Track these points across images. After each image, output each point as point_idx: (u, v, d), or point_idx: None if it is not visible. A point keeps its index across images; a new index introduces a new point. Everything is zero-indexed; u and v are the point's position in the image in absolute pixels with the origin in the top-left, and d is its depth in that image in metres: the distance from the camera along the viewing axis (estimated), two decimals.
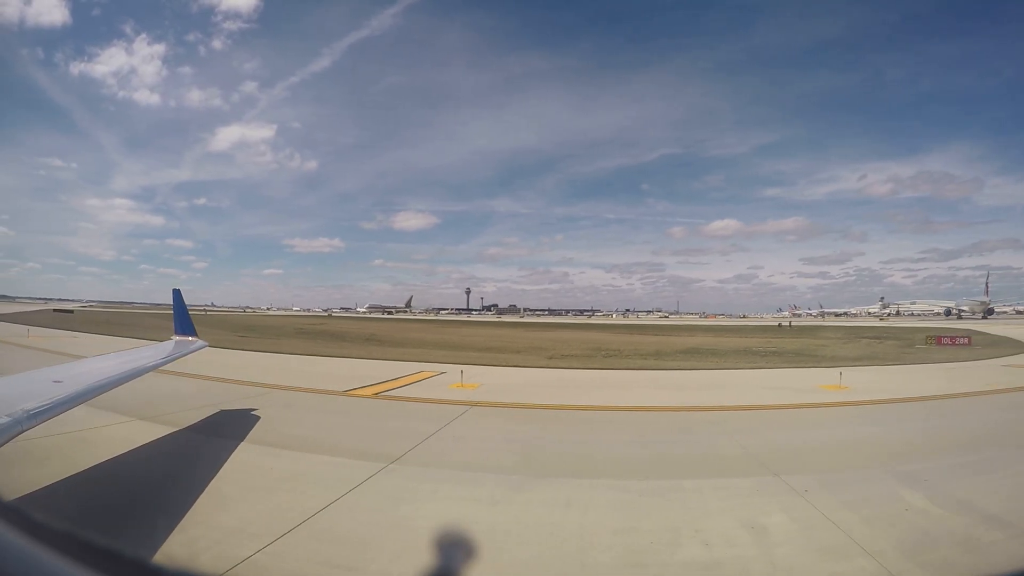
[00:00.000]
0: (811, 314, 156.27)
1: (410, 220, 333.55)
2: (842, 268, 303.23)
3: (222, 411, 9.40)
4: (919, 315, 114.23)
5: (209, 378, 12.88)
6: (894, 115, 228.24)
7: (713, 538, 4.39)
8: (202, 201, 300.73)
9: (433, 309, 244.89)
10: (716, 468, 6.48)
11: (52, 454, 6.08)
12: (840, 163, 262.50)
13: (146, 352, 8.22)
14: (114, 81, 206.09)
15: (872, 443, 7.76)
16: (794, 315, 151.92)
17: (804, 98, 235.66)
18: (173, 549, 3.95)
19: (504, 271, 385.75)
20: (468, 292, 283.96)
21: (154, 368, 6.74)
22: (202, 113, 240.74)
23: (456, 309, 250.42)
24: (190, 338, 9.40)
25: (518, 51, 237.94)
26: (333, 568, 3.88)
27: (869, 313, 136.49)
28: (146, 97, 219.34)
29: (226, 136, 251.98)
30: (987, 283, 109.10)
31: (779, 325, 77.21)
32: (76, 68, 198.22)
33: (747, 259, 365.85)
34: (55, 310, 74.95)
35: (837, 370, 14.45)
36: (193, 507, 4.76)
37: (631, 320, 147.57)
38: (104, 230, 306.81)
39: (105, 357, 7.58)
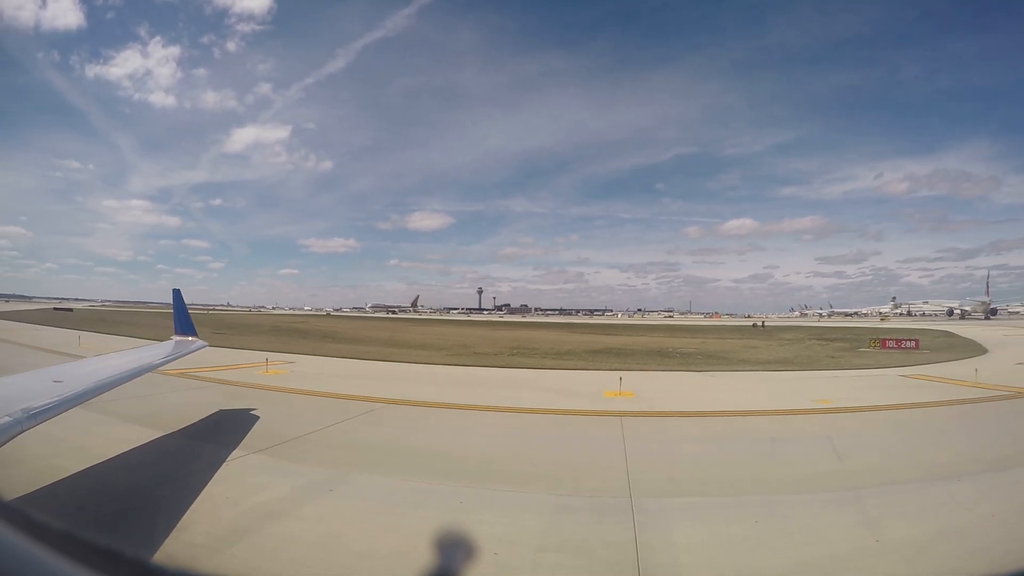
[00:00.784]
0: (821, 314, 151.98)
1: (425, 220, 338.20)
2: (858, 268, 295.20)
3: None
4: (930, 315, 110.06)
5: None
6: (911, 112, 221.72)
7: None
8: (218, 202, 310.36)
9: (444, 308, 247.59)
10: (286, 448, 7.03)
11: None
12: (856, 161, 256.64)
13: (146, 352, 8.20)
14: (130, 83, 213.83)
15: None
16: (803, 315, 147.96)
17: (820, 96, 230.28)
18: None
19: (519, 271, 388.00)
20: (480, 292, 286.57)
21: (155, 368, 6.74)
22: (217, 114, 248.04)
23: (467, 309, 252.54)
24: (190, 338, 9.36)
25: (533, 51, 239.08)
26: None
27: (880, 313, 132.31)
28: (161, 99, 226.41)
29: (241, 137, 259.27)
30: (988, 283, 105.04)
31: (753, 325, 76.79)
32: (92, 71, 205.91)
33: (763, 259, 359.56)
34: (55, 308, 79.24)
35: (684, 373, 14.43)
36: None
37: (634, 320, 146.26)
38: (121, 231, 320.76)
39: (106, 357, 7.50)
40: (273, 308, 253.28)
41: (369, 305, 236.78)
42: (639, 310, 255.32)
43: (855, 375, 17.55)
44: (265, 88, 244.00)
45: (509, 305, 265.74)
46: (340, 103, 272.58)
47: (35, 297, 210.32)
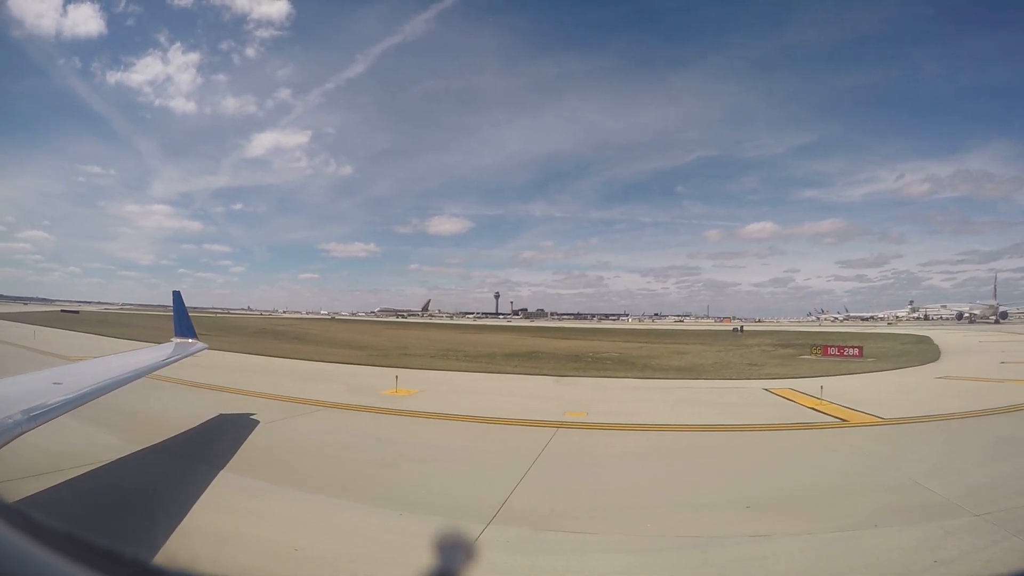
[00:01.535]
0: (837, 318, 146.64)
1: (445, 224, 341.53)
2: (880, 271, 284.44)
3: None
4: (946, 319, 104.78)
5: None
6: (932, 112, 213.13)
7: None
8: (239, 206, 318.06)
9: (460, 313, 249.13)
10: None
11: None
12: (877, 163, 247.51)
13: (146, 354, 8.23)
14: (150, 89, 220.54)
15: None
16: (819, 319, 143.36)
17: (840, 96, 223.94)
18: None
19: (539, 275, 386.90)
20: (497, 296, 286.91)
21: (155, 370, 6.79)
22: (237, 120, 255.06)
23: (483, 313, 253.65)
24: (190, 340, 9.39)
25: (552, 53, 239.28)
26: None
27: (896, 317, 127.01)
28: (182, 105, 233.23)
29: (261, 142, 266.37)
30: (995, 286, 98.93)
31: (733, 330, 76.15)
32: (113, 77, 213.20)
33: (783, 262, 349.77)
34: (62, 311, 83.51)
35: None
36: None
37: (643, 325, 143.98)
38: (143, 235, 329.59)
39: (105, 359, 7.52)
40: (283, 312, 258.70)
41: (378, 309, 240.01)
42: (656, 314, 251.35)
43: (726, 386, 16.13)
44: (285, 93, 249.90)
45: (526, 309, 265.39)
46: (359, 108, 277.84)
47: (56, 300, 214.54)
